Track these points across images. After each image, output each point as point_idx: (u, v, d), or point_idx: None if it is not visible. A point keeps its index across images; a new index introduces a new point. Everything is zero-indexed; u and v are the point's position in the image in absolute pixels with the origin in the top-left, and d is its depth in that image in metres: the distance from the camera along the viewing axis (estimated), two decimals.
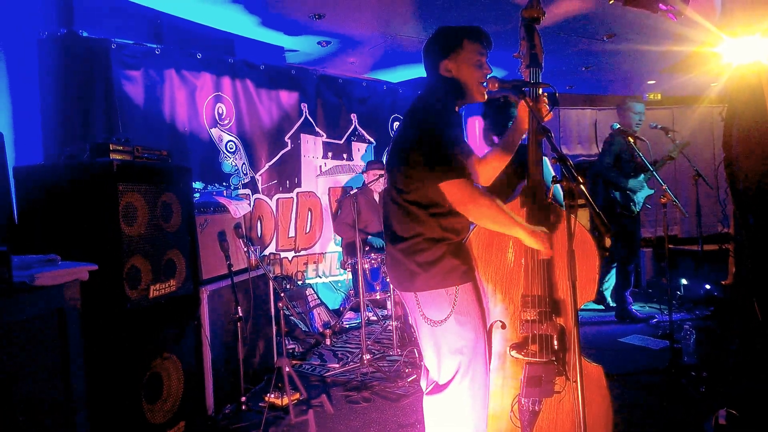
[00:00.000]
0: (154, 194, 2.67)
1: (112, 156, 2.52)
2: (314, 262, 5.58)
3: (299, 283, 5.28)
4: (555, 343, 2.00)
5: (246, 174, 4.95)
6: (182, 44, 4.54)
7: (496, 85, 1.98)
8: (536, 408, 2.02)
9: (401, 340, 4.32)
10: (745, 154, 3.16)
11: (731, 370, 3.45)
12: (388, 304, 4.82)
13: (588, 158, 7.57)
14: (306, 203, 5.52)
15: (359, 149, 6.05)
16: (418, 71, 6.39)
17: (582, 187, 1.56)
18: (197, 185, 3.65)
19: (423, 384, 2.12)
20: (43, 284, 1.80)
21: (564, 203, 1.63)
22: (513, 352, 2.04)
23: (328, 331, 4.77)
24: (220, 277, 3.33)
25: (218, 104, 4.72)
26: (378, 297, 4.71)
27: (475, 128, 7.31)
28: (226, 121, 4.79)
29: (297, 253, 5.42)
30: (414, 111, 2.06)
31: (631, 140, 4.32)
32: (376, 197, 5.21)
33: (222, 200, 3.53)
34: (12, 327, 1.68)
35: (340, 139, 5.86)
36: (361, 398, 3.40)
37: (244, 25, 4.92)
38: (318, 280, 5.60)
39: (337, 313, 5.31)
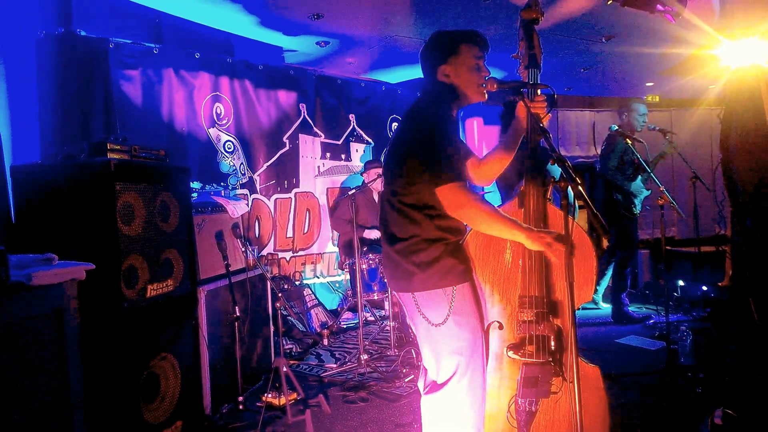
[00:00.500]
0: (151, 194, 2.66)
1: (110, 155, 2.52)
2: (312, 263, 5.58)
3: (297, 283, 5.28)
4: (552, 343, 2.00)
5: (244, 174, 4.95)
6: (181, 44, 4.53)
7: (495, 86, 1.99)
8: (533, 408, 2.02)
9: (399, 341, 4.32)
10: (743, 157, 3.17)
11: (728, 371, 3.45)
12: (386, 305, 4.82)
13: (586, 160, 7.58)
14: (304, 203, 5.51)
15: (357, 150, 6.05)
16: (417, 72, 6.35)
17: (580, 188, 1.56)
18: (195, 185, 3.64)
19: (420, 384, 2.12)
20: (40, 283, 1.80)
21: (561, 204, 1.64)
22: (510, 353, 2.04)
23: (325, 331, 4.77)
24: (217, 277, 3.33)
25: (216, 104, 4.72)
26: (376, 297, 4.71)
27: (473, 129, 7.32)
28: (225, 121, 4.78)
29: (295, 253, 5.42)
30: (412, 114, 2.07)
31: (629, 142, 4.34)
32: (375, 197, 5.21)
33: (220, 200, 3.53)
34: (9, 326, 1.68)
35: (339, 140, 5.86)
36: (358, 398, 3.40)
37: (243, 25, 4.92)
38: (316, 280, 5.60)
39: (335, 314, 5.31)
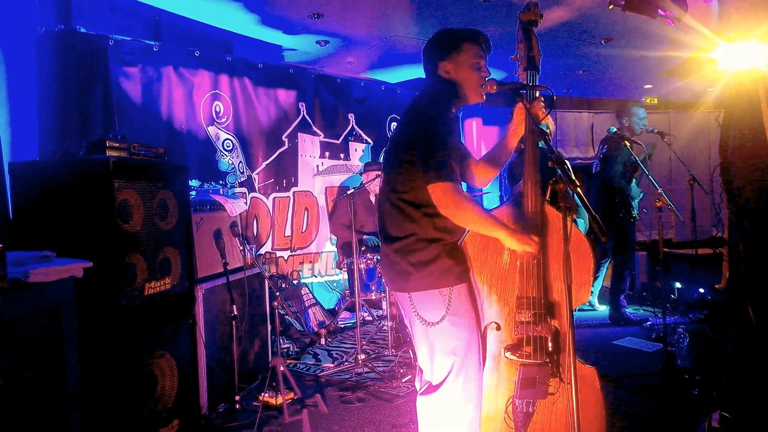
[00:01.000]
0: (150, 191, 2.66)
1: (109, 153, 2.52)
2: (310, 262, 5.58)
3: (295, 282, 5.28)
4: (549, 344, 2.01)
5: (243, 172, 4.94)
6: (180, 42, 4.53)
7: (495, 87, 2.00)
8: (530, 409, 2.02)
9: (396, 341, 4.32)
10: (741, 160, 3.17)
11: (725, 374, 3.46)
12: (384, 305, 4.81)
13: (585, 161, 7.59)
14: (302, 202, 5.51)
15: (356, 149, 6.05)
16: (416, 72, 6.40)
17: (579, 190, 1.57)
18: (194, 183, 3.64)
19: (417, 384, 2.12)
20: (38, 281, 1.79)
21: (560, 205, 1.64)
22: (507, 354, 2.04)
23: (323, 330, 4.76)
24: (215, 276, 3.32)
25: (216, 102, 4.71)
26: (373, 297, 4.71)
27: (472, 129, 7.33)
28: (224, 120, 4.78)
29: (293, 253, 5.41)
30: (411, 111, 2.07)
31: (628, 144, 4.35)
32: (373, 198, 5.21)
33: (218, 198, 3.52)
34: (6, 323, 1.67)
35: (338, 139, 5.85)
36: (355, 398, 3.40)
37: (243, 24, 4.92)
38: (314, 279, 5.59)
39: (333, 313, 5.30)
